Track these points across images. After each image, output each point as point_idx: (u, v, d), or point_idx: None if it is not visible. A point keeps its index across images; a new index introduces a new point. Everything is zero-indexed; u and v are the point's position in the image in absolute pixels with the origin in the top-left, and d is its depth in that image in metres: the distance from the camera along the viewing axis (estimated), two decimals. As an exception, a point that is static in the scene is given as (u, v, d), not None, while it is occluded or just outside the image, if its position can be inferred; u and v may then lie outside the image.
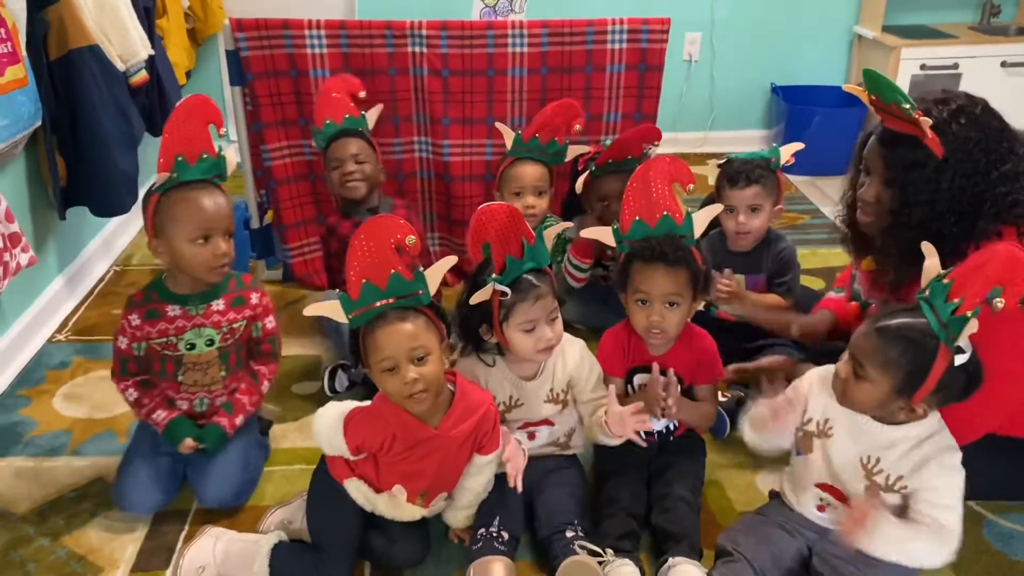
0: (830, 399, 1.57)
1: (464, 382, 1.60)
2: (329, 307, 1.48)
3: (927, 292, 1.45)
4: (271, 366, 1.95)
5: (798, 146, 2.19)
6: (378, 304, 1.46)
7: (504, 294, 1.57)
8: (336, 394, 2.25)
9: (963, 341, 1.41)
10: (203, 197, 1.74)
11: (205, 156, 1.73)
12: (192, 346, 1.81)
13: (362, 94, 2.36)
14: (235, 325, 1.85)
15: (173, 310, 1.80)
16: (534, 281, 1.60)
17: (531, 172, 2.27)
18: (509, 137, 2.23)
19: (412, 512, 1.63)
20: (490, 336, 1.67)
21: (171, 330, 1.80)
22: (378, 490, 1.61)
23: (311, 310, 1.51)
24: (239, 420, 1.88)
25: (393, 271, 1.45)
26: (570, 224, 2.01)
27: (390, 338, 1.46)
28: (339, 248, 2.35)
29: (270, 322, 1.92)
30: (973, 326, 1.40)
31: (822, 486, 1.60)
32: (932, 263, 1.48)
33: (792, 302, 2.22)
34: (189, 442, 1.81)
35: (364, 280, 1.45)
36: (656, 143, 2.36)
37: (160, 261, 1.79)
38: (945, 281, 1.42)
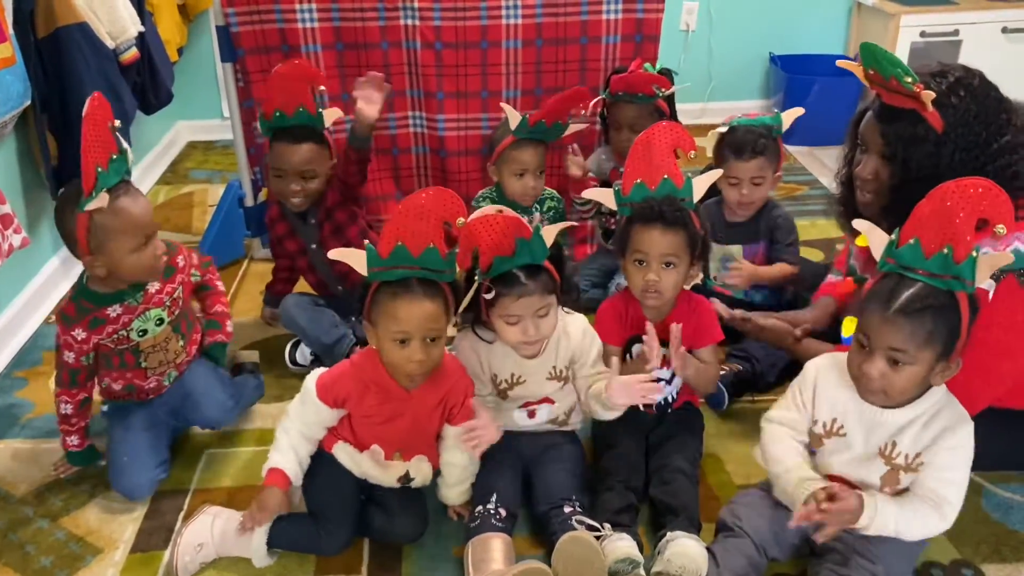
0: (835, 396, 1.54)
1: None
2: (354, 256, 1.48)
3: (892, 261, 1.40)
4: (212, 270, 1.99)
5: (798, 111, 2.19)
6: (405, 268, 1.45)
7: (488, 289, 1.57)
8: (298, 366, 2.26)
9: (982, 280, 1.37)
10: (131, 204, 1.66)
11: (115, 157, 1.63)
12: (144, 332, 1.79)
13: (322, 88, 2.14)
14: (175, 295, 1.83)
15: (114, 310, 1.74)
16: (522, 279, 1.57)
17: (534, 155, 2.28)
18: (515, 119, 2.21)
19: (395, 468, 1.65)
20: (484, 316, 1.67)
21: (119, 327, 1.76)
22: (360, 449, 1.64)
23: (335, 254, 1.50)
24: (230, 326, 1.99)
25: (431, 244, 1.45)
26: (571, 224, 1.99)
27: (411, 313, 1.46)
28: (276, 242, 2.33)
29: (194, 259, 1.93)
30: (987, 261, 1.35)
31: (833, 478, 1.56)
32: (879, 235, 1.44)
33: (798, 268, 2.23)
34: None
35: (399, 242, 1.44)
36: (664, 89, 2.36)
37: (98, 272, 1.71)
38: (911, 242, 1.38)
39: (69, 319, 1.74)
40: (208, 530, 1.65)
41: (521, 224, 1.55)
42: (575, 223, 2.36)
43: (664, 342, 1.77)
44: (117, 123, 1.65)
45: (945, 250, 1.36)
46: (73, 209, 1.63)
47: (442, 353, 1.55)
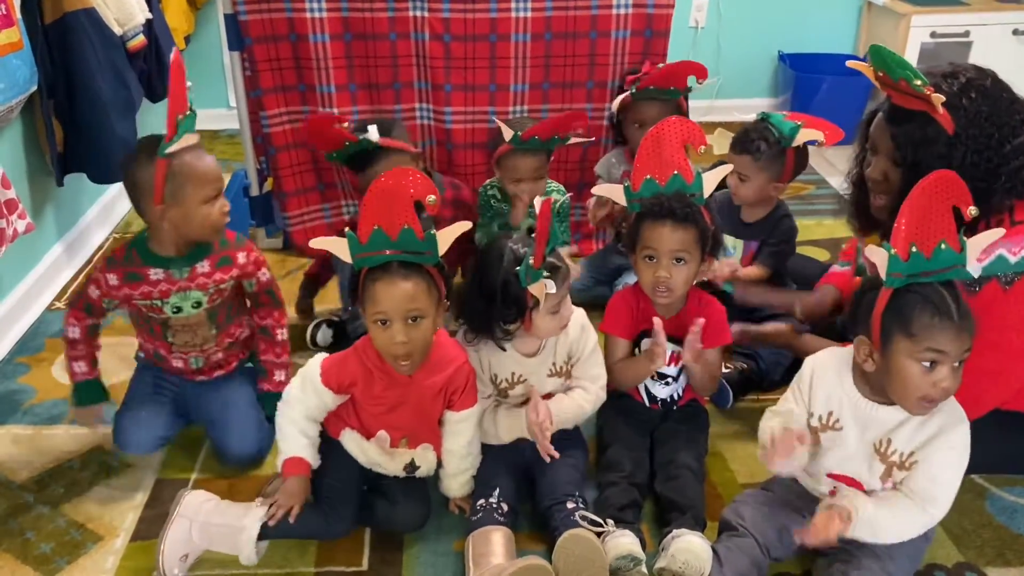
0: (831, 390, 1.54)
1: (442, 335, 1.63)
2: (335, 243, 1.48)
3: (900, 275, 1.38)
4: (276, 314, 1.91)
5: (815, 135, 2.11)
6: (385, 252, 1.45)
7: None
8: (316, 347, 2.27)
9: (971, 263, 1.42)
10: (207, 156, 1.71)
11: (189, 113, 1.66)
12: (178, 309, 1.78)
13: (346, 124, 2.17)
14: (223, 286, 1.81)
15: (156, 273, 1.75)
16: (556, 263, 1.59)
17: (530, 164, 2.23)
18: (508, 134, 2.18)
19: (401, 456, 1.65)
20: (517, 326, 1.65)
21: (155, 293, 1.75)
22: (367, 437, 1.64)
23: (316, 243, 1.51)
24: (279, 375, 1.90)
25: (405, 225, 1.44)
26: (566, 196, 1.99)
27: (388, 294, 1.46)
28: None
29: (263, 275, 1.87)
30: (974, 244, 1.40)
31: (833, 476, 1.56)
32: (881, 256, 1.41)
33: (768, 273, 2.21)
34: (95, 411, 1.85)
35: (375, 226, 1.44)
36: (702, 80, 2.36)
37: (162, 225, 1.71)
38: (913, 250, 1.37)
39: (112, 261, 1.76)
40: (187, 539, 1.60)
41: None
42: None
43: (674, 339, 1.77)
44: (189, 84, 1.67)
45: (942, 246, 1.37)
46: (151, 156, 1.65)
47: (427, 335, 1.53)
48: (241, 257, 1.83)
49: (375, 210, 1.45)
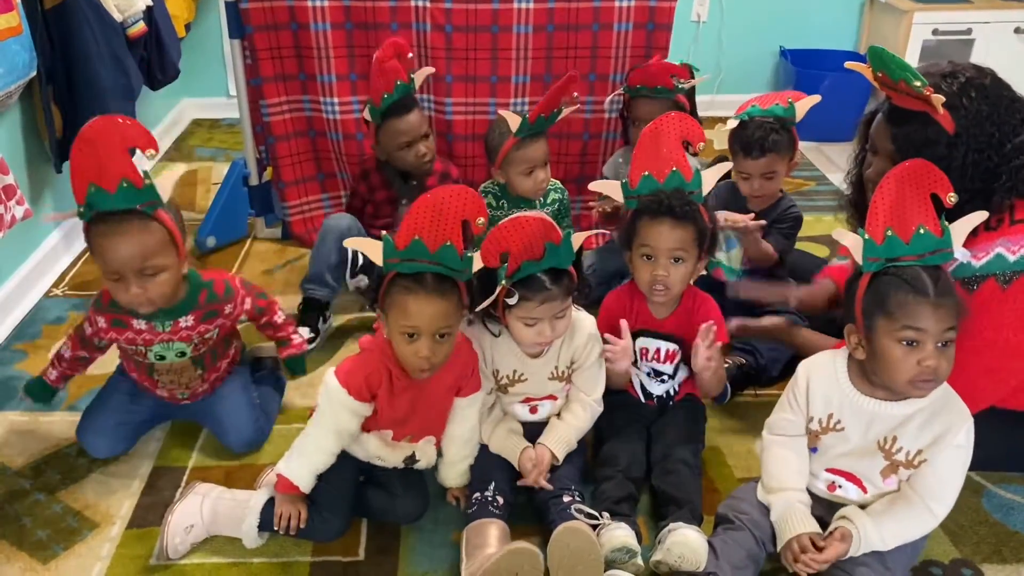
0: (828, 392, 1.53)
1: None
2: (370, 245, 1.47)
3: (876, 259, 1.41)
4: (270, 312, 1.91)
5: (814, 99, 2.15)
6: (421, 262, 1.44)
7: (511, 294, 1.55)
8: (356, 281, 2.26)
9: (958, 247, 1.43)
10: (115, 235, 1.56)
11: (126, 184, 1.54)
12: (162, 357, 1.76)
13: (410, 55, 2.29)
14: (207, 335, 1.78)
15: (139, 323, 1.70)
16: (547, 284, 1.55)
17: (539, 149, 2.25)
18: (515, 122, 2.17)
19: (403, 449, 1.64)
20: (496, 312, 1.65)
21: (138, 340, 1.73)
22: (367, 431, 1.63)
23: (351, 243, 1.50)
24: (296, 339, 1.98)
25: (448, 242, 1.43)
26: (602, 232, 1.98)
27: (422, 310, 1.45)
28: (364, 201, 2.42)
29: (247, 304, 1.83)
30: (958, 227, 1.42)
31: (832, 470, 1.57)
32: (853, 239, 1.44)
33: (775, 255, 2.20)
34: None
35: (416, 237, 1.43)
36: (683, 81, 2.38)
37: None
38: (888, 234, 1.40)
39: (99, 305, 1.73)
40: (197, 511, 1.63)
41: (552, 227, 1.54)
42: (600, 230, 2.31)
43: (669, 337, 1.76)
44: (150, 152, 1.57)
45: (921, 231, 1.39)
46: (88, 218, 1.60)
47: (451, 348, 1.53)
48: (228, 308, 1.79)
49: (419, 221, 1.43)
